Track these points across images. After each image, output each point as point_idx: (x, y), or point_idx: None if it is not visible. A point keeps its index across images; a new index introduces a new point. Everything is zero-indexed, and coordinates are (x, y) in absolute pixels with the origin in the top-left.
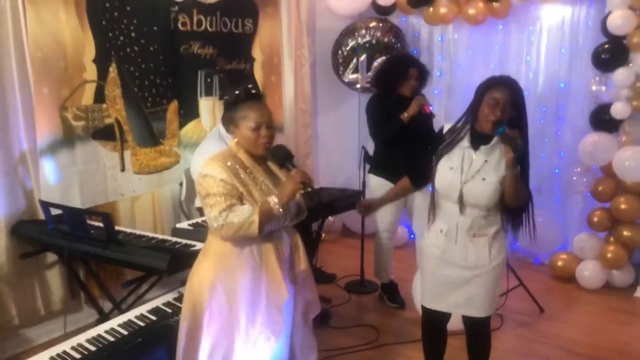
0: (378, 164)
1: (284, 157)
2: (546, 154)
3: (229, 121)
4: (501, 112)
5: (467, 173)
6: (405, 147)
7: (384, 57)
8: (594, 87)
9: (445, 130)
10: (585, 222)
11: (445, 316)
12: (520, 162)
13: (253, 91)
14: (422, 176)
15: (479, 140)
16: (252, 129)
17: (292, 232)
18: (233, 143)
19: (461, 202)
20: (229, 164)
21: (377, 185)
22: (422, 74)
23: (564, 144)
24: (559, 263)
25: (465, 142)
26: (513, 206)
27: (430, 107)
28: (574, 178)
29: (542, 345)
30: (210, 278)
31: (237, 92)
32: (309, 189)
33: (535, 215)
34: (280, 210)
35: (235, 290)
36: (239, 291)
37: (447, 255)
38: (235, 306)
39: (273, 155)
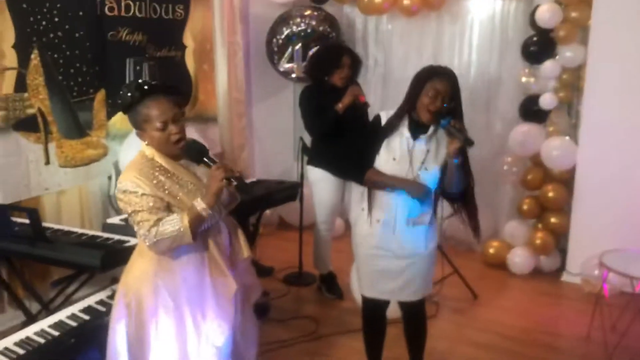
0: (316, 155)
1: (199, 153)
2: (479, 143)
3: (133, 126)
4: (441, 103)
5: (415, 164)
6: (343, 137)
7: (317, 47)
8: (523, 79)
9: (382, 119)
10: (515, 210)
11: (384, 304)
12: (462, 151)
13: (146, 86)
14: (363, 170)
15: (417, 129)
16: (159, 130)
17: (231, 222)
18: (145, 147)
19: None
20: (146, 173)
21: (318, 177)
22: (355, 63)
23: (494, 134)
24: (491, 250)
25: (405, 132)
26: (452, 192)
27: (364, 98)
28: (505, 167)
29: (476, 331)
30: (151, 279)
31: (129, 93)
32: (235, 182)
33: None
34: (209, 212)
35: (179, 289)
36: (183, 289)
37: (384, 244)
38: (181, 304)
39: (187, 153)
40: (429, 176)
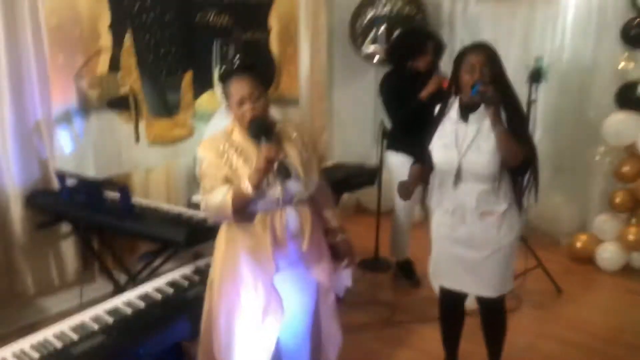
0: (397, 140)
1: (257, 131)
2: (569, 132)
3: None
4: (480, 74)
5: (462, 146)
6: (424, 124)
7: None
8: (621, 65)
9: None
10: (606, 204)
11: (462, 295)
12: (512, 119)
13: (236, 64)
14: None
15: (467, 111)
16: (237, 105)
17: (302, 212)
18: (231, 122)
19: (458, 177)
20: (219, 145)
21: (398, 162)
22: (439, 48)
23: (586, 122)
24: (578, 244)
25: (454, 115)
26: (512, 166)
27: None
28: (597, 158)
29: (559, 327)
30: (222, 255)
31: (223, 68)
32: (276, 167)
33: (555, 194)
34: (252, 190)
35: (238, 267)
36: (240, 268)
37: (456, 234)
38: (237, 283)
39: (249, 131)
40: (482, 156)
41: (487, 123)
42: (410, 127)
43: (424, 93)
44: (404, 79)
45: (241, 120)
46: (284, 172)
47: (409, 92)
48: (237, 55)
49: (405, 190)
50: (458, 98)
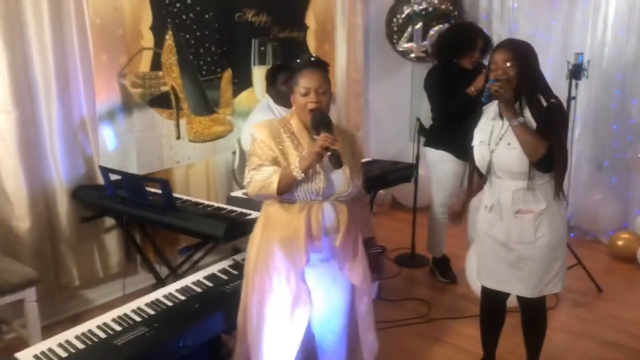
0: (438, 136)
1: (318, 122)
2: (610, 129)
3: (290, 90)
4: (503, 72)
5: (493, 142)
6: (468, 121)
7: (446, 25)
8: None
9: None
10: None
11: (504, 294)
12: (539, 116)
13: (312, 58)
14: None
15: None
16: (301, 95)
17: (340, 208)
18: (291, 111)
19: (489, 173)
20: (274, 127)
21: (437, 159)
22: (487, 46)
23: (628, 119)
24: (620, 242)
25: (492, 114)
26: (533, 160)
27: None
28: (639, 155)
29: (599, 326)
30: (257, 243)
31: (298, 60)
32: (329, 153)
33: (596, 192)
34: (301, 174)
35: (271, 255)
36: (274, 256)
37: (493, 232)
38: (270, 271)
39: (311, 121)
40: (513, 152)
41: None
42: (453, 123)
43: (472, 88)
44: (450, 74)
45: (302, 109)
46: (335, 161)
47: (455, 87)
48: (275, 55)
49: (454, 215)
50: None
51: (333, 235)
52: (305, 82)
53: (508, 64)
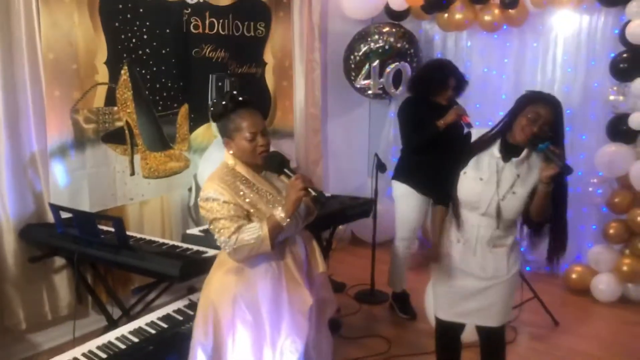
0: (404, 170)
1: (279, 164)
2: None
3: (222, 133)
4: (539, 129)
5: (503, 188)
6: (435, 155)
7: (402, 64)
8: (611, 97)
9: (473, 137)
10: (601, 234)
11: (460, 327)
12: (558, 180)
13: (240, 98)
14: (447, 194)
15: (509, 152)
16: (248, 140)
17: (307, 236)
18: (228, 156)
19: (499, 217)
20: (228, 182)
21: (402, 192)
22: (460, 84)
23: (578, 154)
24: (574, 275)
25: (495, 152)
26: (537, 221)
27: (468, 118)
28: (590, 189)
29: (556, 359)
30: (231, 291)
31: (223, 102)
32: (314, 193)
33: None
34: (287, 221)
35: (257, 302)
36: (261, 302)
37: (464, 265)
38: (259, 317)
39: (268, 164)
40: (516, 201)
41: (525, 170)
42: (418, 156)
43: (442, 122)
44: (423, 107)
45: (251, 153)
46: (322, 198)
47: (426, 120)
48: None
49: (437, 257)
50: (502, 137)
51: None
52: (249, 126)
53: (547, 124)
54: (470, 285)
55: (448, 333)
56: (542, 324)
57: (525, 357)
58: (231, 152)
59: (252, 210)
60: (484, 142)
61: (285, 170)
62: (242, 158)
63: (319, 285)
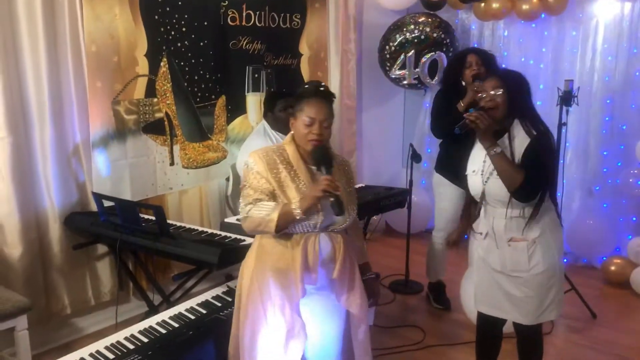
0: (440, 161)
1: (321, 158)
2: (602, 154)
3: (291, 113)
4: (490, 99)
5: (486, 172)
6: (461, 144)
7: (438, 53)
8: None
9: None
10: None
11: (500, 321)
12: (528, 150)
13: (322, 88)
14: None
15: (494, 136)
16: (305, 124)
17: (336, 239)
18: (288, 137)
19: (482, 202)
20: (269, 157)
21: (437, 182)
22: (484, 59)
23: (619, 144)
24: (612, 268)
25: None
26: (510, 190)
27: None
28: (630, 180)
29: (594, 352)
30: (250, 273)
31: (307, 85)
32: (332, 199)
33: (588, 217)
34: (301, 215)
35: (265, 286)
36: (268, 287)
37: (489, 258)
38: (264, 302)
39: (312, 155)
40: (498, 180)
41: (506, 142)
42: (448, 146)
43: (462, 103)
44: (451, 95)
45: (302, 138)
46: (338, 209)
47: (452, 107)
48: (269, 82)
49: (451, 243)
50: None
51: (329, 266)
52: (311, 111)
53: (498, 92)
54: (497, 279)
55: (488, 326)
56: (580, 317)
57: (562, 349)
58: (292, 132)
59: (278, 191)
60: (473, 136)
61: (322, 167)
62: (297, 140)
63: (342, 293)
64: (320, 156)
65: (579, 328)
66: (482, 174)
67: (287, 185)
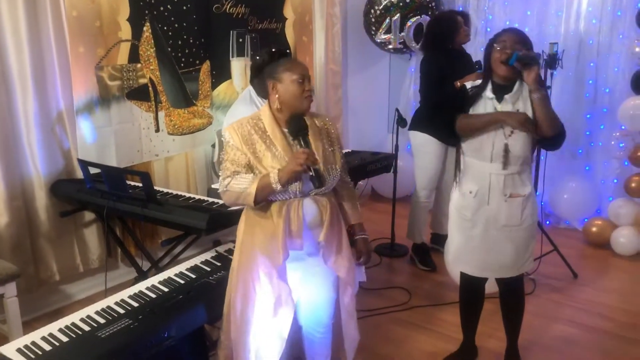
0: (423, 120)
1: (298, 128)
2: (584, 117)
3: (268, 76)
4: (511, 50)
5: (505, 129)
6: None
7: (423, 17)
8: (637, 49)
9: (468, 87)
10: (622, 188)
11: (483, 280)
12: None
13: (288, 51)
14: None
15: (501, 91)
16: (297, 82)
17: (321, 202)
18: (263, 107)
19: (506, 159)
20: (244, 129)
21: (421, 142)
22: (467, 19)
23: (601, 107)
24: (593, 229)
25: (489, 93)
26: (551, 134)
27: None
28: (612, 142)
29: (575, 310)
30: (240, 245)
31: (273, 49)
32: (312, 173)
33: (570, 179)
34: (279, 187)
35: (253, 256)
36: (255, 257)
37: (478, 217)
38: (252, 271)
39: (289, 123)
40: (519, 139)
41: (521, 104)
42: (440, 109)
43: (459, 83)
44: (443, 62)
45: (299, 98)
46: (317, 180)
47: (447, 77)
48: (253, 47)
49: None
50: (491, 81)
51: (317, 230)
52: (300, 69)
53: (517, 44)
54: (484, 236)
55: (472, 286)
56: (561, 277)
57: (544, 308)
58: (276, 95)
59: (254, 162)
60: (476, 91)
61: (300, 137)
62: (287, 102)
63: (329, 257)
64: (298, 125)
65: (561, 287)
66: (502, 127)
67: (263, 154)
